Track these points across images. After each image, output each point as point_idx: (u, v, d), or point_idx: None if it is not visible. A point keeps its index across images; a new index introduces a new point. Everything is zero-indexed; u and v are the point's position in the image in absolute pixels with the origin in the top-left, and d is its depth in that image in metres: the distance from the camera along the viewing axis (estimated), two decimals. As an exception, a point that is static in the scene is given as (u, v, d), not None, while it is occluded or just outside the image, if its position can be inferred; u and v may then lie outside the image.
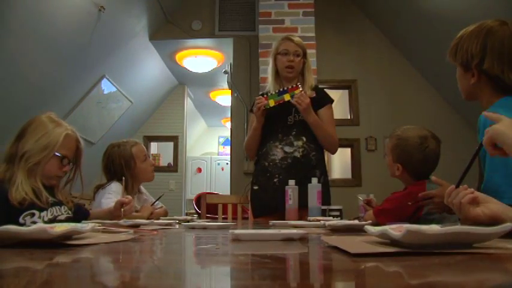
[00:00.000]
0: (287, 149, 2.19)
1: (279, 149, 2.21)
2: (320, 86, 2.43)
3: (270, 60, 2.32)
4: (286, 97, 2.13)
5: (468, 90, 1.30)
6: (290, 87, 2.15)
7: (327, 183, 2.24)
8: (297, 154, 2.18)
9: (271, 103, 2.15)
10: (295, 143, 2.19)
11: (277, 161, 2.19)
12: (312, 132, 2.20)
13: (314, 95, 2.23)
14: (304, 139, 2.20)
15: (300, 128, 2.20)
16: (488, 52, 1.20)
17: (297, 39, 2.29)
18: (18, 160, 1.46)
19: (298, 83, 2.15)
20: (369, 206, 1.84)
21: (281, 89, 2.17)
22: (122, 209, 1.61)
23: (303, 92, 2.12)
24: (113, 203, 1.68)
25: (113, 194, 1.95)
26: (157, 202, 2.24)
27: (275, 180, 2.18)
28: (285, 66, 2.24)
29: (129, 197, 1.68)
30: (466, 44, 1.25)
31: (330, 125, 2.24)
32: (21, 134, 1.51)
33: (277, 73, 2.29)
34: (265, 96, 2.19)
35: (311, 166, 2.19)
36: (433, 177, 1.50)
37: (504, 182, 1.09)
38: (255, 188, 2.28)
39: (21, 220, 1.39)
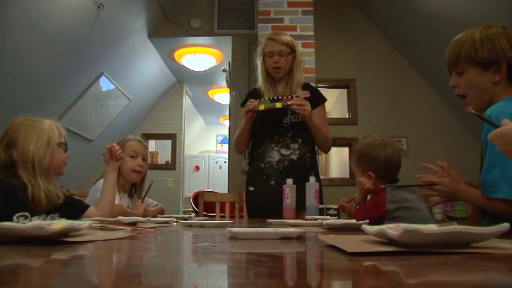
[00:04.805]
0: (284, 151, 2.18)
1: (275, 151, 2.19)
2: (319, 85, 2.41)
3: (258, 61, 2.28)
4: (278, 105, 2.06)
5: (484, 92, 1.28)
6: (285, 97, 2.08)
7: (320, 184, 2.23)
8: (294, 157, 2.17)
9: (261, 107, 2.09)
10: (292, 146, 2.18)
11: (274, 163, 2.18)
12: (306, 134, 2.18)
13: (309, 94, 2.20)
14: (300, 141, 2.19)
15: (295, 130, 2.18)
16: None
17: (280, 37, 2.24)
18: (30, 167, 1.46)
19: (294, 95, 2.09)
20: (344, 210, 1.89)
21: (275, 97, 2.11)
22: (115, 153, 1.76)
23: (302, 98, 2.06)
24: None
25: (99, 191, 1.91)
26: (151, 201, 2.22)
27: (272, 182, 2.17)
28: (272, 67, 2.22)
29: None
30: (490, 42, 1.26)
31: (324, 125, 2.21)
32: (9, 142, 1.48)
33: (267, 72, 2.26)
34: (258, 101, 2.13)
35: (306, 168, 2.19)
36: (424, 164, 1.43)
37: (500, 177, 1.15)
38: (251, 189, 2.25)
39: (14, 219, 1.38)
